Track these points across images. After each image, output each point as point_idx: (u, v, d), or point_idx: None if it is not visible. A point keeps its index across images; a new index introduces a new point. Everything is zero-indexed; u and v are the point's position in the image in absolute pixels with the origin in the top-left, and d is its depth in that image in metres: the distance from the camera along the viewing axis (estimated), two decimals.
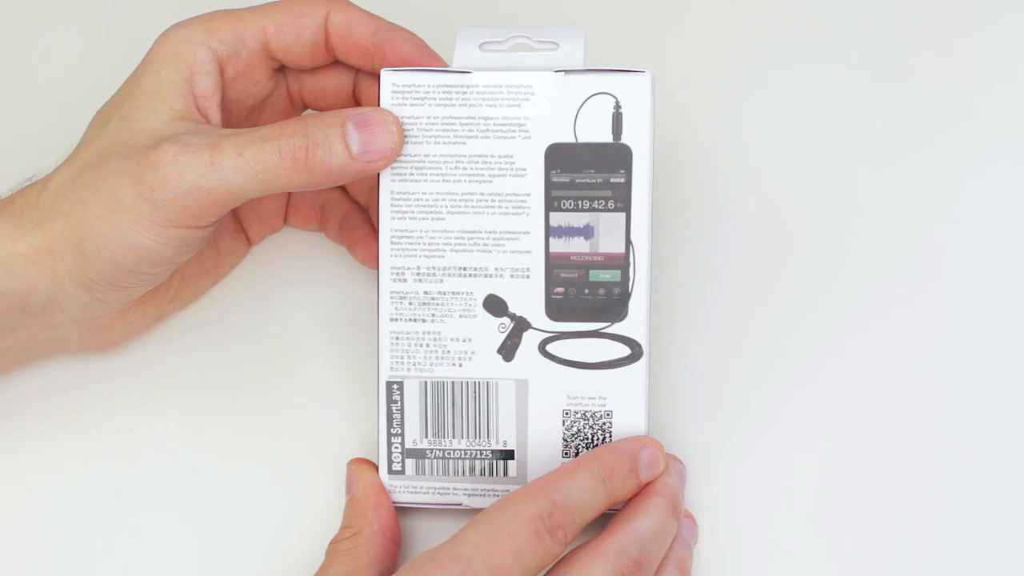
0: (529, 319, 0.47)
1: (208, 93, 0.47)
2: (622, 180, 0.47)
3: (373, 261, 0.52)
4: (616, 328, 0.47)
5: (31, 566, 0.50)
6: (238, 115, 0.50)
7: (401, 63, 0.47)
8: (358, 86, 0.51)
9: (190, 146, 0.44)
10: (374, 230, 0.52)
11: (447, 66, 0.48)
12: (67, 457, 0.52)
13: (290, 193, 0.54)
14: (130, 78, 0.48)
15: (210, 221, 0.46)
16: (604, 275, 0.47)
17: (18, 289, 0.46)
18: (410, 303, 0.48)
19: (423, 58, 0.48)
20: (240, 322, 0.53)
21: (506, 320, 0.48)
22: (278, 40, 0.48)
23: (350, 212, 0.53)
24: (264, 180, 0.45)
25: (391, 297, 0.48)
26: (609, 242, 0.47)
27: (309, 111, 0.52)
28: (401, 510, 0.49)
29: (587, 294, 0.47)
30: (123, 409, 0.52)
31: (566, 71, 0.46)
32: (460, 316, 0.48)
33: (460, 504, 0.49)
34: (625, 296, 0.47)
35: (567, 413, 0.48)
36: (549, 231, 0.47)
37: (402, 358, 0.48)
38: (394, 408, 0.48)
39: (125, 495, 0.51)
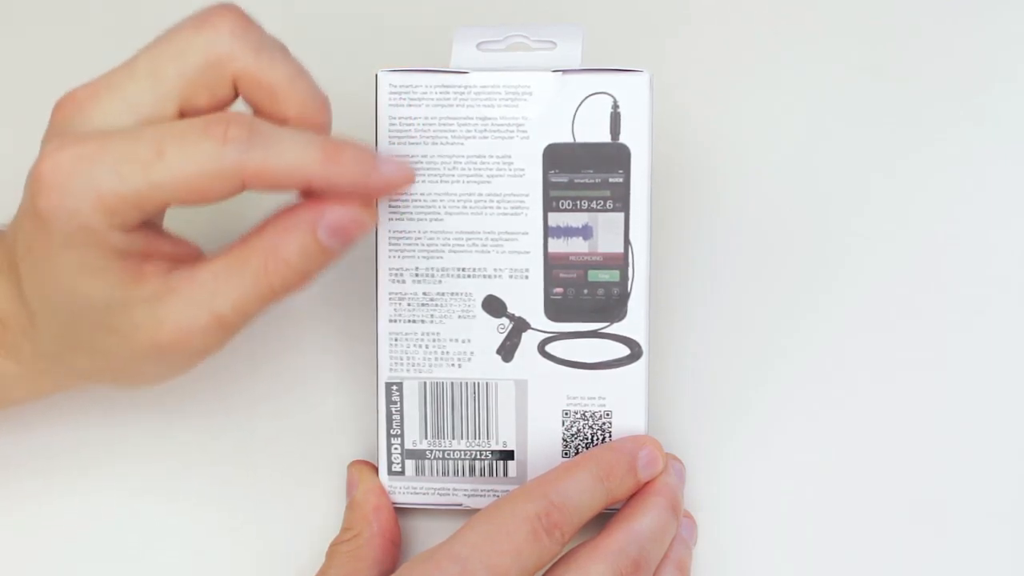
0: (528, 319, 0.47)
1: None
2: (620, 180, 0.47)
3: None
4: (615, 328, 0.47)
5: (33, 563, 0.51)
6: None
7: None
8: None
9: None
10: None
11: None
12: (65, 453, 0.52)
13: None
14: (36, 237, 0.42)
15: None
16: (603, 275, 0.47)
17: None
18: (409, 304, 0.48)
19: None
20: None
21: (505, 321, 0.47)
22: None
23: None
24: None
25: (390, 298, 0.48)
26: (608, 242, 0.47)
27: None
28: (401, 511, 0.49)
29: (586, 294, 0.47)
30: (122, 410, 0.52)
31: (564, 71, 0.46)
32: (459, 317, 0.48)
33: (460, 505, 0.49)
34: (624, 296, 0.47)
35: (567, 413, 0.48)
36: (548, 231, 0.47)
37: (401, 359, 0.48)
38: (393, 409, 0.48)
39: (125, 495, 0.51)
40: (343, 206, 0.42)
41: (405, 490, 0.49)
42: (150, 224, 0.43)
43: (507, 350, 0.48)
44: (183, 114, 0.42)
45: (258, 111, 0.43)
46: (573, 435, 0.48)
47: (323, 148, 0.41)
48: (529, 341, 0.47)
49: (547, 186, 0.47)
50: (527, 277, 0.47)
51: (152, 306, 0.42)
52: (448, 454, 0.48)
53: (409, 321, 0.48)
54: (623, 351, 0.47)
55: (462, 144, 0.47)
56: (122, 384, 0.47)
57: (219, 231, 0.48)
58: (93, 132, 0.41)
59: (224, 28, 0.42)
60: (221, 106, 0.43)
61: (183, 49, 0.42)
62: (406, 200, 0.47)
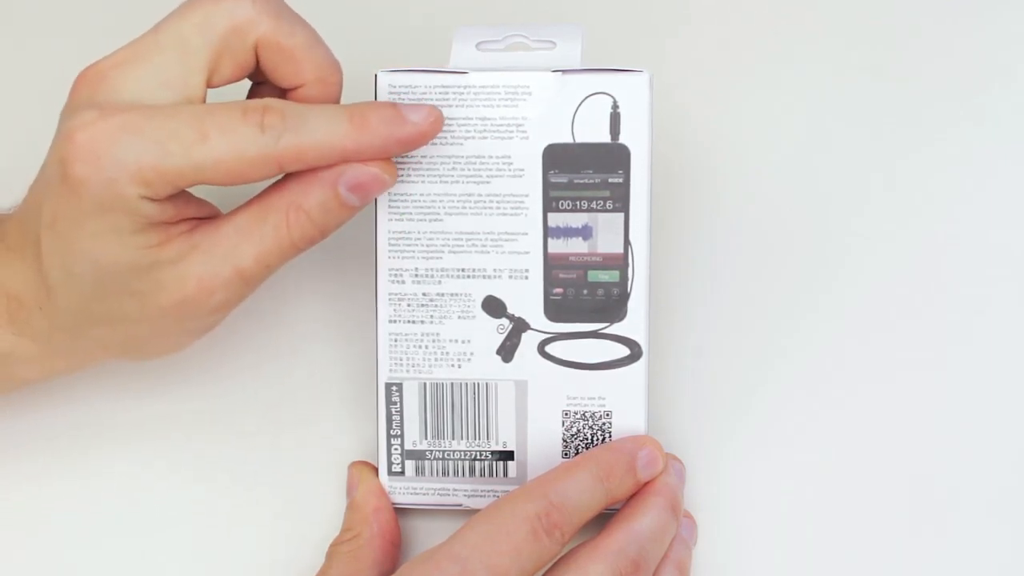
0: (528, 320, 0.47)
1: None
2: (620, 180, 0.47)
3: None
4: (615, 328, 0.47)
5: (30, 563, 0.51)
6: None
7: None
8: None
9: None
10: None
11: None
12: (61, 460, 0.52)
13: None
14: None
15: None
16: (603, 275, 0.47)
17: None
18: (408, 305, 0.48)
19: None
20: (239, 323, 0.53)
21: (505, 321, 0.47)
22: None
23: None
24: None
25: (389, 299, 0.48)
26: (608, 242, 0.47)
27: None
28: (401, 511, 0.49)
29: (586, 295, 0.47)
30: (121, 409, 0.52)
31: (563, 71, 0.46)
32: (459, 317, 0.48)
33: (460, 505, 0.49)
34: (624, 296, 0.47)
35: (567, 414, 0.48)
36: (547, 232, 0.47)
37: (401, 360, 0.48)
38: (393, 410, 0.48)
39: (124, 496, 0.51)
40: (364, 163, 0.43)
41: (405, 490, 0.49)
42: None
43: (507, 350, 0.48)
44: (209, 84, 0.44)
45: (275, 76, 0.45)
46: (573, 435, 0.48)
47: (349, 117, 0.43)
48: (529, 341, 0.47)
49: (547, 186, 0.47)
50: (527, 277, 0.47)
51: (176, 265, 0.43)
52: (448, 455, 0.48)
53: (409, 322, 0.48)
54: (623, 351, 0.47)
55: (461, 144, 0.47)
56: (136, 356, 0.48)
57: (235, 194, 0.48)
58: (131, 104, 0.42)
59: None
60: (243, 75, 0.44)
61: (207, 17, 0.43)
62: (406, 201, 0.47)
